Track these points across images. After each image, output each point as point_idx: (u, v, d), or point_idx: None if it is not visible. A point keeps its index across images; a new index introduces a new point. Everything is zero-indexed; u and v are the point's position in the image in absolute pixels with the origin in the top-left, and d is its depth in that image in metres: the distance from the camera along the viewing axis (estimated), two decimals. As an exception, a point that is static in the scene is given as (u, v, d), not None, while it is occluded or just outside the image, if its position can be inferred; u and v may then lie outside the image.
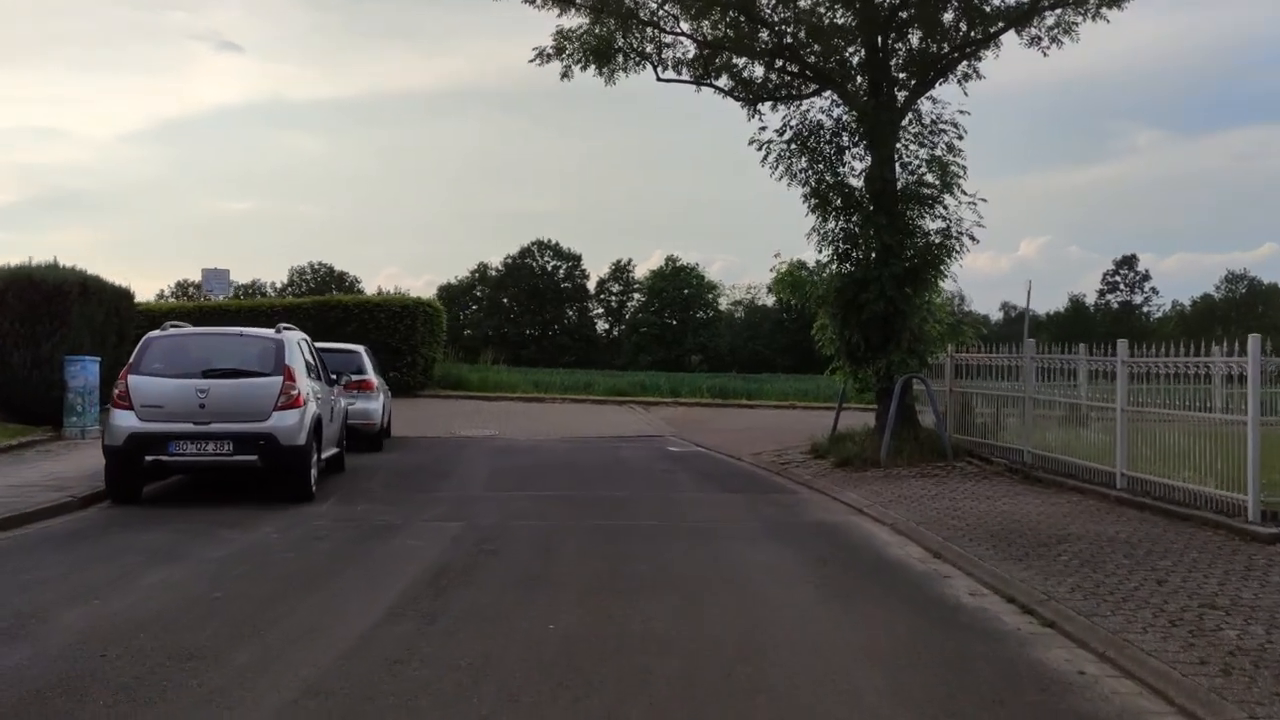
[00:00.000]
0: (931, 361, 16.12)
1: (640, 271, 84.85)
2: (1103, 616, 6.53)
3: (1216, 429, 10.04)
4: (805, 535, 10.15)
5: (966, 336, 16.20)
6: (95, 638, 6.10)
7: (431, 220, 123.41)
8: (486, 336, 72.64)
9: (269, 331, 12.09)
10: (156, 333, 12.01)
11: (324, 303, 30.14)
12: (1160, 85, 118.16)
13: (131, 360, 11.57)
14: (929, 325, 15.51)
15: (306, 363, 12.30)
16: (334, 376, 14.08)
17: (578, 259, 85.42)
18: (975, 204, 15.13)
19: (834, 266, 15.87)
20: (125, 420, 11.04)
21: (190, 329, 12.61)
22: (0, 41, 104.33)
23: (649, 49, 16.76)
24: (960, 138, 15.20)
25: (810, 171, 15.75)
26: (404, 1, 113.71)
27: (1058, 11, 15.73)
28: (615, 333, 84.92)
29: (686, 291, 79.71)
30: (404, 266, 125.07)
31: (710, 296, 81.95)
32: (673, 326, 78.47)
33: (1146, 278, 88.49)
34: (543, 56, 16.49)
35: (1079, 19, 15.75)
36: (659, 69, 16.93)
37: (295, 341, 12.12)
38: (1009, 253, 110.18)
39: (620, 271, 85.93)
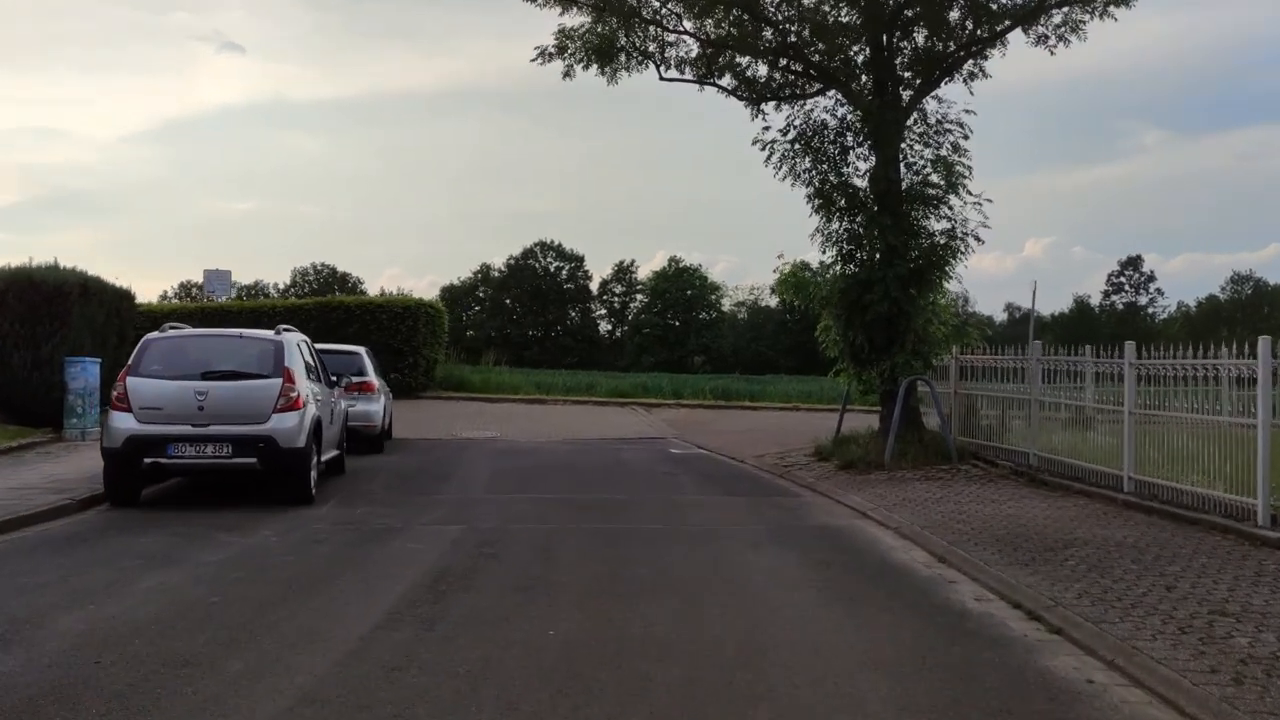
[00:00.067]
0: (936, 363, 16.03)
1: (643, 272, 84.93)
2: (1111, 623, 6.43)
3: (1225, 432, 9.93)
4: (808, 539, 10.06)
5: (971, 338, 16.08)
6: (90, 643, 6.02)
7: (433, 221, 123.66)
8: (489, 337, 72.58)
9: (268, 333, 12.02)
10: (155, 334, 11.93)
11: (326, 304, 30.07)
12: (1167, 84, 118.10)
13: (130, 362, 11.50)
14: (934, 327, 15.41)
15: (306, 364, 12.23)
16: (334, 378, 14.01)
17: (580, 260, 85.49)
18: (981, 204, 15.08)
19: (838, 267, 15.79)
20: (123, 422, 10.97)
21: (189, 330, 12.53)
22: (2, 42, 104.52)
23: (651, 48, 16.70)
24: (966, 137, 15.15)
25: (814, 171, 15.67)
26: (405, 1, 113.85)
27: (1065, 10, 15.63)
28: (618, 334, 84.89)
29: (689, 292, 79.67)
30: (406, 267, 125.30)
31: (713, 297, 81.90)
32: (675, 327, 78.42)
33: (1152, 278, 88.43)
34: (545, 56, 16.43)
35: (1086, 17, 15.66)
36: (662, 68, 16.87)
37: (295, 343, 12.05)
38: (1014, 253, 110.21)
39: (623, 272, 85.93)
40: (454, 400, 28.45)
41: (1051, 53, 16.05)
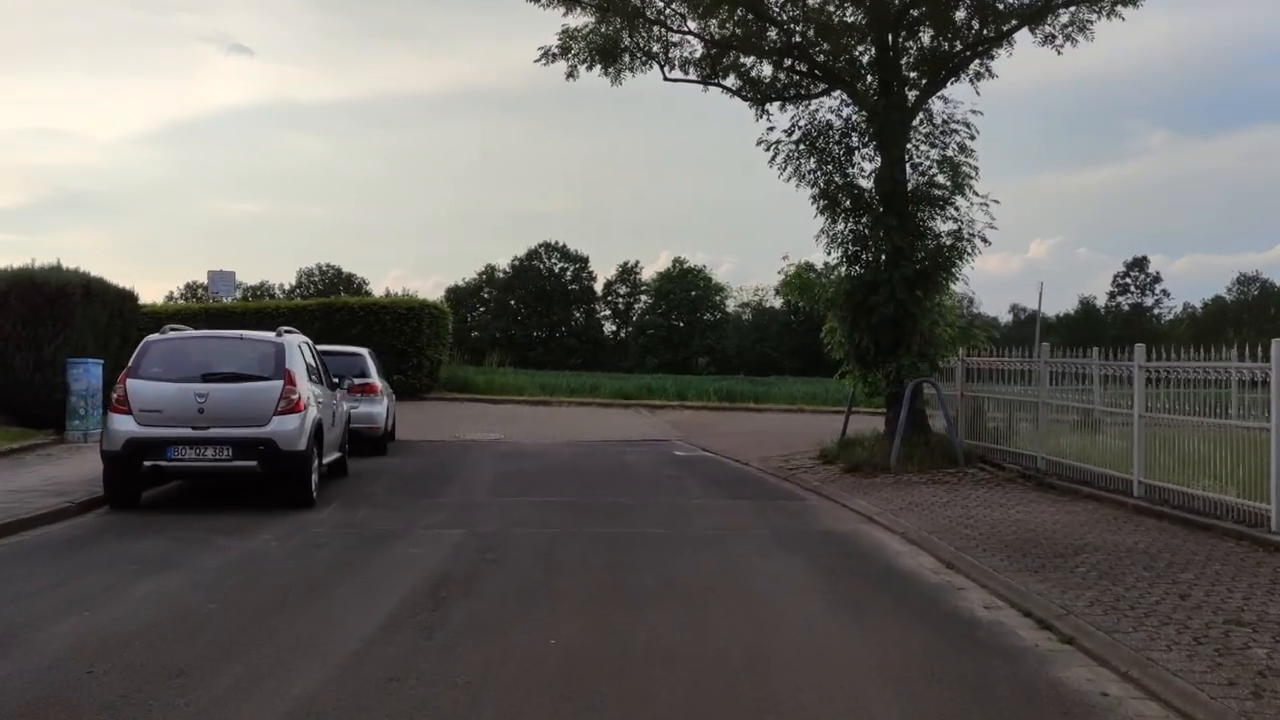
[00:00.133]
0: (942, 365, 15.89)
1: (647, 273, 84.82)
2: (1124, 633, 6.29)
3: (1237, 436, 9.79)
4: (814, 544, 9.93)
5: (978, 340, 15.95)
6: (84, 651, 5.92)
7: (438, 221, 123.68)
8: (494, 338, 72.59)
9: (269, 335, 11.92)
10: (155, 336, 11.85)
11: (329, 305, 30.03)
12: (1173, 85, 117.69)
13: (130, 364, 11.40)
14: (940, 329, 15.28)
15: (308, 366, 12.14)
16: (336, 380, 13.92)
17: (585, 261, 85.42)
18: (987, 205, 14.94)
19: (843, 269, 15.66)
20: (123, 425, 10.88)
21: (190, 332, 12.43)
22: (7, 44, 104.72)
23: (656, 48, 16.60)
24: (972, 138, 15.02)
25: (819, 172, 15.55)
26: (410, 3, 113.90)
27: (1072, 9, 15.49)
28: (622, 335, 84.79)
29: (694, 293, 79.56)
30: (411, 268, 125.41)
31: (718, 298, 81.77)
32: (680, 328, 78.31)
33: (1157, 279, 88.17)
34: (548, 56, 16.32)
35: (1094, 17, 15.52)
36: (666, 68, 16.77)
37: (296, 345, 11.95)
38: (1019, 254, 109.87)
39: (627, 273, 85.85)
40: (458, 402, 28.36)
41: (1059, 53, 15.95)
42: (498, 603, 7.25)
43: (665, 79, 16.81)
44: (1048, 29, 15.72)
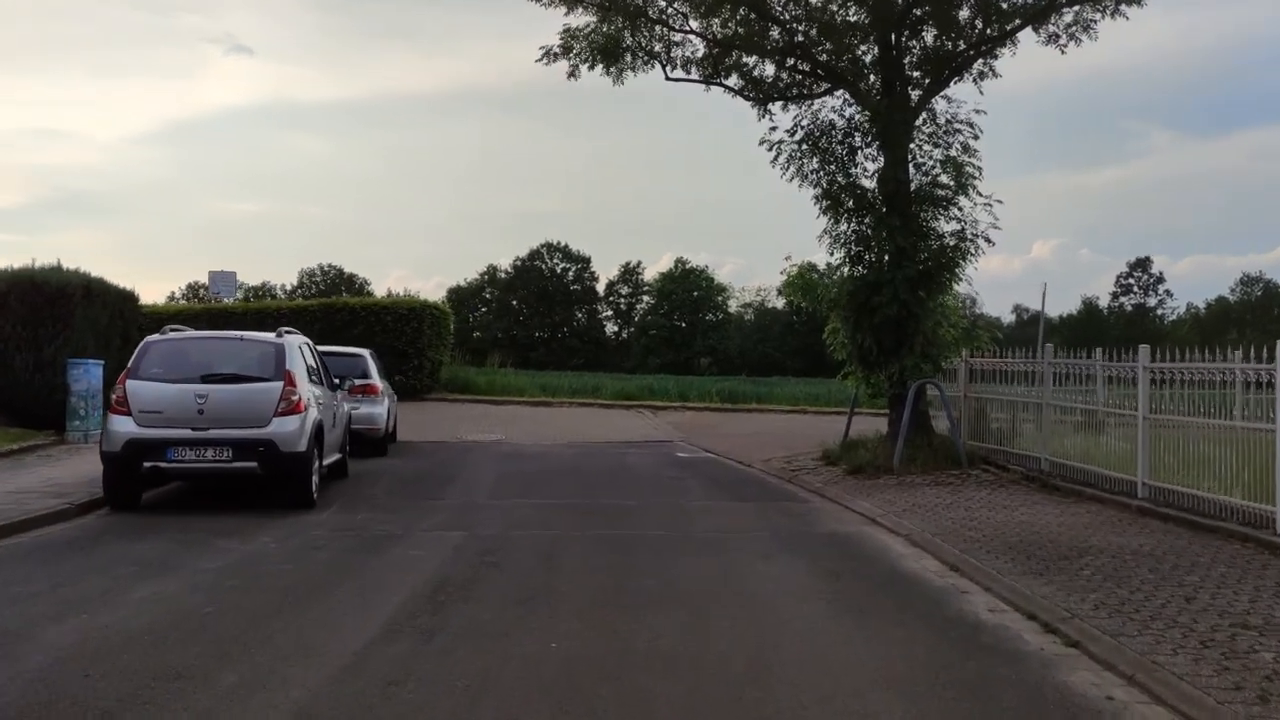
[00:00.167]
0: (945, 366, 15.83)
1: (650, 274, 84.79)
2: (1129, 636, 6.23)
3: (1242, 437, 9.73)
4: (817, 546, 9.87)
5: (981, 341, 15.89)
6: (80, 655, 5.87)
7: (440, 222, 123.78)
8: (496, 339, 72.59)
9: (269, 335, 11.88)
10: (155, 337, 11.81)
11: (330, 305, 30.01)
12: (1176, 85, 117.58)
13: (130, 365, 11.36)
14: (943, 329, 15.22)
15: (308, 367, 12.09)
16: (337, 381, 13.88)
17: (587, 261, 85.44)
18: (991, 205, 14.87)
19: (846, 269, 15.61)
20: (123, 426, 10.84)
21: (189, 333, 12.39)
22: (8, 44, 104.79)
23: (657, 48, 16.53)
24: (976, 138, 14.95)
25: (822, 172, 15.48)
26: (411, 3, 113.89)
27: (1075, 8, 15.42)
28: (624, 335, 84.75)
29: (696, 294, 79.54)
30: (413, 268, 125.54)
31: (720, 299, 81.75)
32: (682, 329, 78.29)
33: (1160, 280, 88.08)
34: (550, 56, 16.26)
35: (1098, 16, 15.45)
36: (668, 68, 16.70)
37: (296, 345, 11.91)
38: (1021, 254, 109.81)
39: (629, 274, 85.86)
40: (459, 402, 28.31)
41: (1062, 52, 15.86)
42: (498, 606, 7.20)
43: (667, 79, 16.77)
44: (1051, 28, 15.66)
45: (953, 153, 14.96)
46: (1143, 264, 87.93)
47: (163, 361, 11.29)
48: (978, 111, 15.01)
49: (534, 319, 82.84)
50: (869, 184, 15.45)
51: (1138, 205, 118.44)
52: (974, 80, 15.91)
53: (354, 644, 6.17)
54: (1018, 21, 15.44)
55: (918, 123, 15.21)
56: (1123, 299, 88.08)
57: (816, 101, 16.07)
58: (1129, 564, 8.27)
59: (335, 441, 13.05)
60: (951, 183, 14.92)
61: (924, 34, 15.72)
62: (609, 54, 16.15)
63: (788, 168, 15.55)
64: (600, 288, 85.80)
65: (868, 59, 15.94)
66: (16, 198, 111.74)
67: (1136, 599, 7.13)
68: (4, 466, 13.87)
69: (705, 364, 71.04)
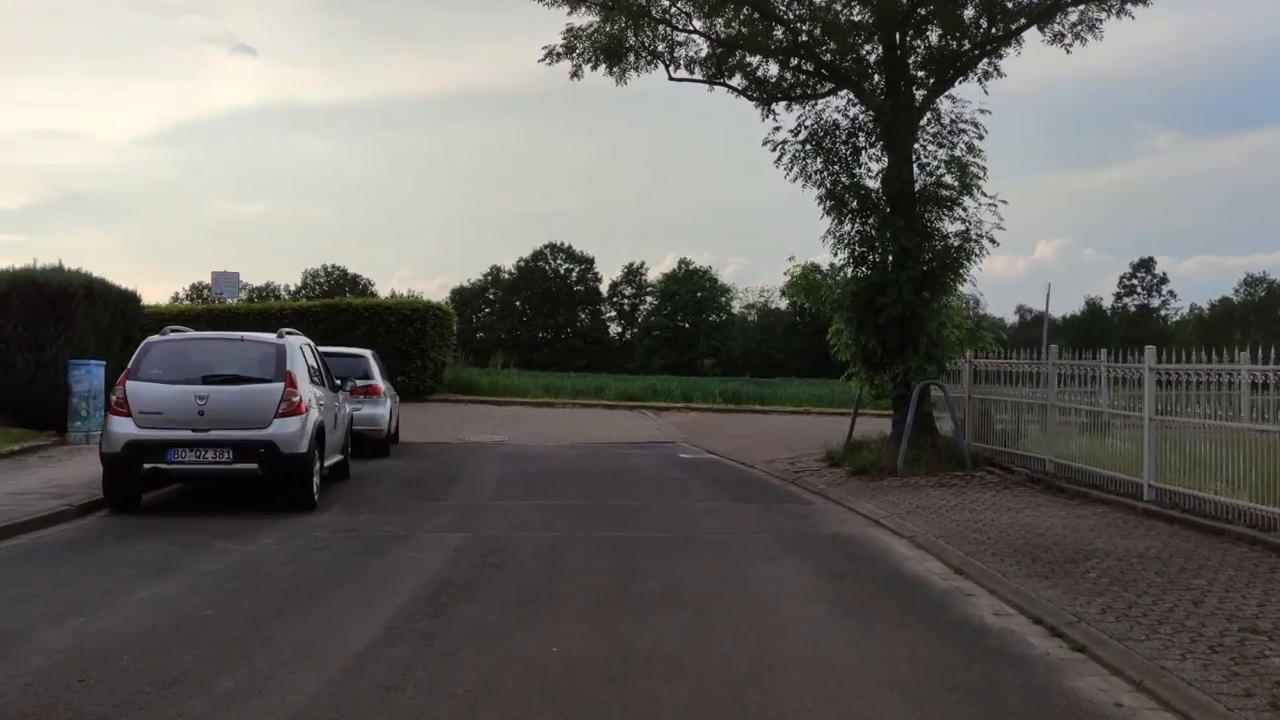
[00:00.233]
0: (950, 367, 15.76)
1: (653, 274, 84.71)
2: (1137, 641, 6.16)
3: (1249, 439, 9.65)
4: (820, 548, 9.81)
5: (986, 342, 15.81)
6: (77, 659, 5.82)
7: (443, 223, 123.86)
8: (499, 340, 72.51)
9: (270, 336, 11.84)
10: (155, 338, 11.76)
11: (333, 306, 29.99)
12: (1180, 84, 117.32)
13: (130, 366, 11.32)
14: (947, 330, 15.13)
15: (309, 368, 12.04)
16: (339, 382, 13.83)
17: (590, 262, 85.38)
18: (995, 206, 14.79)
19: (850, 270, 15.52)
20: (122, 427, 10.79)
21: (190, 333, 12.35)
22: (10, 45, 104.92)
23: (661, 47, 16.46)
24: (980, 138, 14.86)
25: (826, 173, 15.41)
26: (414, 5, 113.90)
27: (1081, 7, 15.35)
28: (628, 336, 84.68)
29: (699, 294, 79.45)
30: (417, 269, 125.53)
31: (723, 299, 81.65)
32: (685, 330, 78.21)
33: (1164, 280, 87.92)
34: (553, 56, 16.20)
35: (1103, 15, 15.37)
36: (671, 68, 16.63)
37: (297, 346, 11.87)
38: (1025, 255, 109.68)
39: (633, 274, 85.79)
40: (462, 403, 28.28)
41: (1068, 51, 15.78)
42: (499, 608, 7.14)
43: (670, 79, 16.71)
44: (1057, 27, 15.59)
45: (957, 153, 14.89)
46: (1146, 265, 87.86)
47: (163, 362, 11.24)
48: (982, 111, 14.96)
49: (537, 320, 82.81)
50: (873, 184, 15.38)
51: (1141, 206, 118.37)
52: (979, 80, 15.86)
53: (353, 647, 6.11)
54: (1023, 21, 15.36)
55: (922, 123, 15.14)
56: (1126, 300, 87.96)
57: (820, 101, 16.01)
58: (1135, 567, 8.20)
59: (337, 443, 13.01)
60: (956, 183, 14.84)
61: (928, 33, 15.65)
62: (612, 54, 16.09)
63: (791, 168, 15.49)
64: (603, 288, 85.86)
65: (872, 59, 15.87)
66: (19, 198, 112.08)
67: (1144, 602, 7.06)
68: (5, 467, 13.84)
69: (708, 365, 70.93)
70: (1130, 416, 11.77)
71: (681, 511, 11.91)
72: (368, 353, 18.48)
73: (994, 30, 15.40)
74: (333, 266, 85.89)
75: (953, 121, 15.01)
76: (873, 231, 15.15)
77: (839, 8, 15.73)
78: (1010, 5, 15.26)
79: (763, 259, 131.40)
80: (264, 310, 29.20)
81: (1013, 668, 5.93)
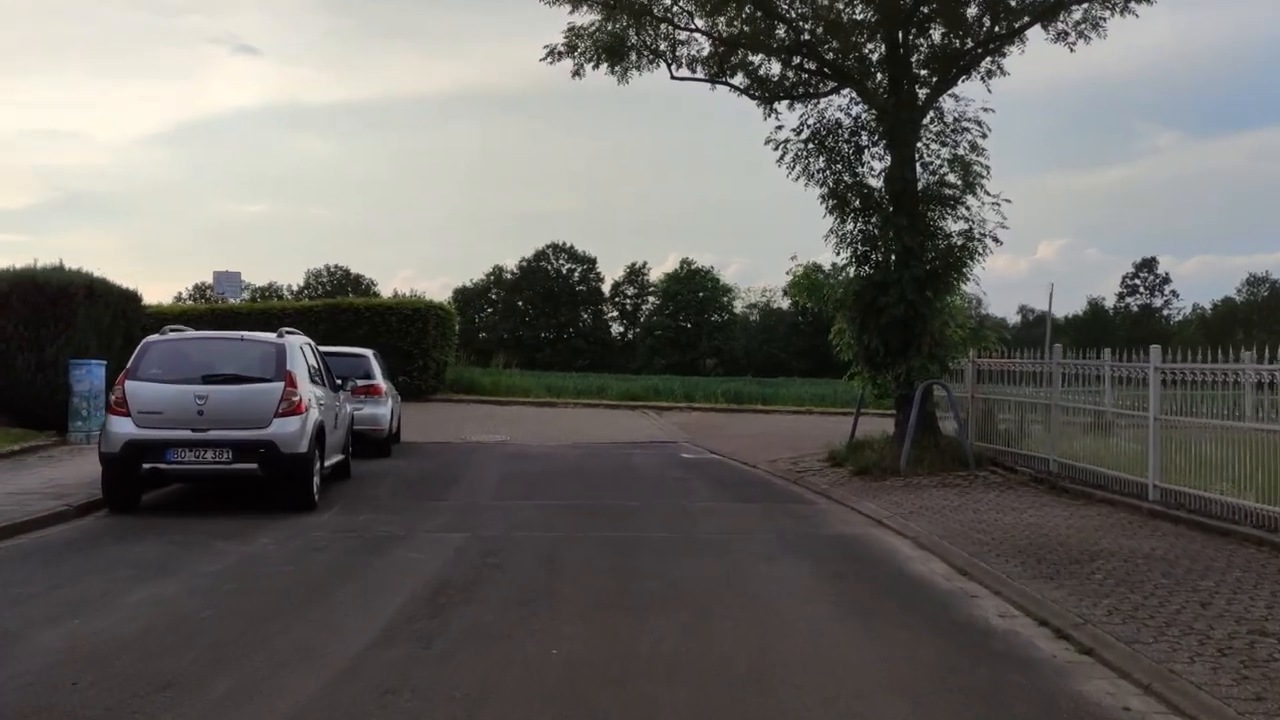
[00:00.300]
0: (952, 367, 15.68)
1: (655, 274, 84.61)
2: (1144, 643, 6.09)
3: (1255, 439, 9.57)
4: (822, 548, 9.74)
5: (989, 341, 15.73)
6: (71, 661, 5.76)
7: (445, 223, 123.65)
8: (501, 340, 72.44)
9: (270, 336, 11.78)
10: (155, 337, 11.71)
11: (335, 305, 29.96)
12: (1182, 84, 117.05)
13: (129, 365, 11.26)
14: (950, 330, 15.05)
15: (309, 367, 11.99)
16: (339, 382, 13.78)
17: (592, 262, 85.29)
18: (999, 205, 14.71)
19: (852, 269, 15.45)
20: (122, 427, 10.74)
21: (190, 333, 12.29)
22: (11, 45, 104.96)
23: (662, 46, 16.40)
24: (984, 136, 14.78)
25: (828, 171, 15.34)
26: (416, 5, 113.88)
27: (1084, 5, 15.27)
28: (630, 336, 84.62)
29: (701, 294, 79.32)
30: (419, 269, 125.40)
31: (725, 299, 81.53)
32: (687, 330, 78.10)
33: (1166, 280, 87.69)
34: (554, 55, 16.14)
35: (1107, 14, 15.29)
36: (673, 67, 16.56)
37: (297, 346, 11.81)
38: (1027, 255, 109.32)
39: (635, 274, 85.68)
40: (464, 403, 28.23)
41: (1071, 50, 15.71)
42: (499, 610, 7.08)
43: (672, 78, 16.64)
44: (1060, 25, 15.51)
45: (960, 151, 14.81)
46: (1149, 264, 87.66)
47: (162, 362, 11.19)
48: (986, 110, 14.89)
49: (539, 320, 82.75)
50: (876, 183, 15.31)
51: (1144, 205, 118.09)
52: (982, 79, 15.78)
53: (351, 649, 6.05)
54: (1026, 19, 15.29)
55: (925, 121, 15.07)
56: (1129, 299, 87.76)
57: (823, 100, 15.95)
58: (1141, 568, 8.12)
59: (337, 442, 12.95)
60: (959, 182, 14.77)
61: (932, 32, 15.58)
62: (614, 53, 16.03)
63: (794, 167, 15.43)
64: (605, 288, 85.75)
65: (874, 57, 15.81)
66: (20, 198, 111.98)
67: (1150, 604, 6.99)
68: (5, 467, 13.79)
69: (710, 365, 70.84)
70: (1135, 416, 11.69)
71: (682, 511, 11.85)
72: (369, 352, 18.43)
73: (997, 28, 15.33)
74: (336, 266, 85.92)
75: (956, 120, 14.95)
76: (875, 231, 15.08)
77: (841, 6, 15.66)
78: (1014, 3, 15.18)
79: (765, 259, 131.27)
80: (266, 310, 29.16)
81: (1019, 670, 5.86)
